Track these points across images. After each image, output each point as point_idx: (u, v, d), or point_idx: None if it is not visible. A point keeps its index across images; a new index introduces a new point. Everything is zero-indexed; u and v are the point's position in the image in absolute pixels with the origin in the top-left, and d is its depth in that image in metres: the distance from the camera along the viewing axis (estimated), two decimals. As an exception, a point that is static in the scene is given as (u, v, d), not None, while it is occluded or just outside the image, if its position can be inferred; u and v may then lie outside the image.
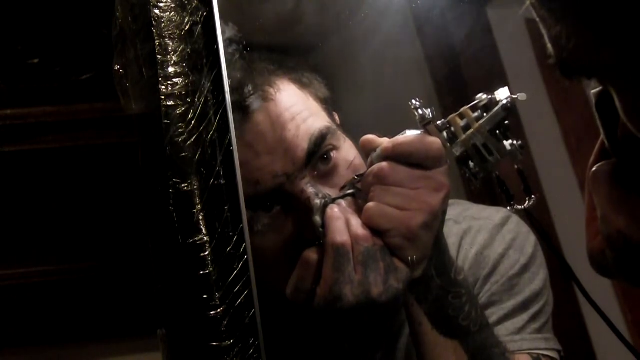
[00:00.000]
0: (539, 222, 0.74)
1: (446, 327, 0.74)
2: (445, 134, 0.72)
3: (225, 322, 0.55)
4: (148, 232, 0.60)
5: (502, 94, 0.71)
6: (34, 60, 1.57)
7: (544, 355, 0.84)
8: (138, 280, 1.40)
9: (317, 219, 0.72)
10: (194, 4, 0.61)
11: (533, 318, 0.86)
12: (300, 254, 0.72)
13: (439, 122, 0.72)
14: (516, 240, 0.89)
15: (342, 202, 0.74)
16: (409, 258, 0.70)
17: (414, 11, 1.62)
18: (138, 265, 1.41)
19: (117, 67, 0.65)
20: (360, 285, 0.69)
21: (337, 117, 0.87)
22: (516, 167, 0.73)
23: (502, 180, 0.74)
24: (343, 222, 0.71)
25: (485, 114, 0.72)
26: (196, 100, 0.59)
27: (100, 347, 1.66)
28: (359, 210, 0.72)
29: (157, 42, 0.59)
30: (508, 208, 0.74)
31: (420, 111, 0.71)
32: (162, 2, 0.60)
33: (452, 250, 0.86)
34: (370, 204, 0.70)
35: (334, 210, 0.72)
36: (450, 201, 0.92)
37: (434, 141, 0.71)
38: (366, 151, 0.75)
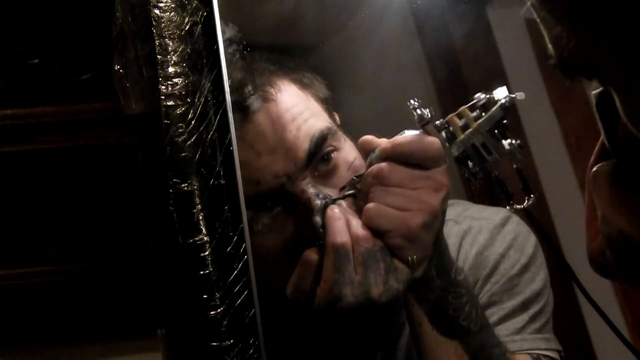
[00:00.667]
0: (539, 221, 0.74)
1: (446, 327, 0.74)
2: (444, 133, 0.72)
3: (225, 322, 0.55)
4: (148, 232, 0.60)
5: (501, 94, 0.71)
6: (34, 60, 1.57)
7: (544, 355, 0.84)
8: (138, 280, 1.40)
9: (318, 219, 0.72)
10: (194, 4, 0.61)
11: (533, 318, 0.86)
12: (301, 254, 0.72)
13: (437, 122, 0.72)
14: (516, 240, 0.89)
15: (343, 203, 0.74)
16: (409, 258, 0.70)
17: (414, 11, 1.62)
18: (138, 265, 1.41)
19: (117, 67, 0.65)
20: (360, 285, 0.69)
21: (337, 117, 0.87)
22: (515, 166, 0.73)
23: (501, 179, 0.74)
24: (343, 223, 0.71)
25: (483, 114, 0.72)
26: (196, 100, 0.59)
27: (100, 347, 1.66)
28: (359, 211, 0.72)
29: (157, 42, 0.59)
30: (507, 207, 0.74)
31: (418, 111, 0.71)
32: (162, 2, 0.60)
33: (453, 251, 0.86)
34: (370, 205, 0.70)
35: (334, 210, 0.72)
36: (450, 201, 0.92)
37: (433, 141, 0.71)
38: (365, 151, 0.75)
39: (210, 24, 0.61)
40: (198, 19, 0.60)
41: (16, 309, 1.61)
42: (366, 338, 0.81)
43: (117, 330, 1.63)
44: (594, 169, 0.43)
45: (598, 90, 0.41)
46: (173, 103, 0.58)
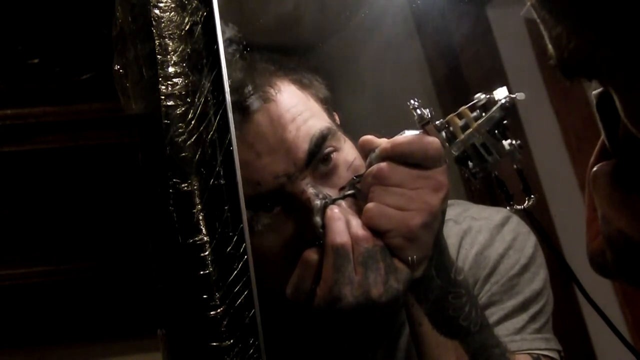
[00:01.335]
0: (539, 222, 0.74)
1: (446, 327, 0.74)
2: (444, 133, 0.72)
3: (225, 322, 0.55)
4: (148, 232, 0.60)
5: (501, 94, 0.71)
6: (34, 60, 1.57)
7: (544, 355, 0.84)
8: (138, 280, 1.40)
9: (318, 219, 0.72)
10: (194, 4, 0.61)
11: (533, 318, 0.86)
12: (301, 254, 0.72)
13: (437, 122, 0.72)
14: (516, 240, 0.89)
15: (343, 203, 0.74)
16: (409, 258, 0.70)
17: (414, 11, 1.62)
18: (138, 265, 1.41)
19: (117, 67, 0.65)
20: (360, 286, 0.69)
21: (337, 118, 0.87)
22: (515, 166, 0.73)
23: (501, 180, 0.74)
24: (343, 223, 0.71)
25: (483, 114, 0.72)
26: (196, 100, 0.59)
27: (100, 347, 1.66)
28: (359, 211, 0.72)
29: (157, 42, 0.59)
30: (507, 208, 0.74)
31: (418, 111, 0.71)
32: (162, 2, 0.60)
33: (452, 251, 0.86)
34: (370, 205, 0.70)
35: (334, 211, 0.72)
36: (450, 201, 0.92)
37: (433, 141, 0.71)
38: (365, 151, 0.75)
39: (210, 24, 0.61)
40: (198, 19, 0.60)
41: (16, 309, 1.61)
42: (366, 338, 0.81)
43: (117, 330, 1.63)
44: (594, 169, 0.43)
45: (598, 90, 0.41)
46: (173, 103, 0.58)
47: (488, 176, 0.73)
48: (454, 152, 0.72)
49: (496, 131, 0.71)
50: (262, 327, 0.57)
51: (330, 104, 0.85)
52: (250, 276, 0.57)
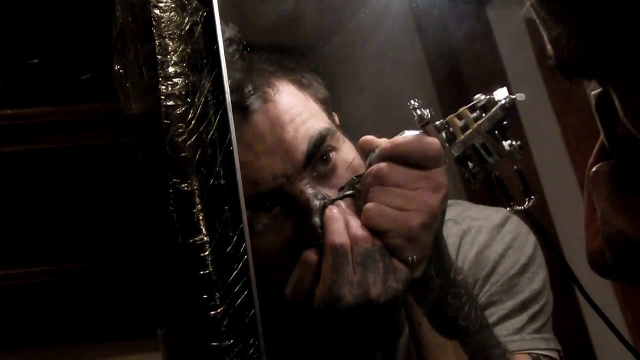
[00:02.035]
0: (539, 222, 0.74)
1: (446, 328, 0.74)
2: (444, 134, 0.72)
3: (225, 322, 0.55)
4: (148, 232, 0.60)
5: (501, 94, 0.71)
6: (34, 60, 1.57)
7: (543, 356, 0.84)
8: (138, 280, 1.40)
9: (316, 220, 0.72)
10: (194, 4, 0.61)
11: (533, 318, 0.86)
12: (300, 255, 0.72)
13: (437, 123, 0.72)
14: (516, 240, 0.89)
15: (342, 203, 0.74)
16: (409, 258, 0.70)
17: (414, 11, 1.62)
18: (138, 265, 1.41)
19: (117, 67, 0.65)
20: (359, 286, 0.69)
21: (336, 118, 0.87)
22: (515, 167, 0.73)
23: (502, 180, 0.74)
24: (342, 223, 0.71)
25: (484, 114, 0.72)
26: (196, 100, 0.59)
27: (100, 347, 1.66)
28: (358, 211, 0.72)
29: (157, 42, 0.59)
30: (507, 208, 0.74)
31: (418, 111, 0.72)
32: (162, 2, 0.60)
33: (452, 251, 0.86)
34: (370, 205, 0.70)
35: (333, 211, 0.72)
36: (450, 201, 0.92)
37: (433, 141, 0.71)
38: (365, 152, 0.75)
39: (210, 24, 0.61)
40: (198, 19, 0.60)
41: (16, 309, 1.61)
42: (366, 338, 0.81)
43: (117, 330, 1.63)
44: (594, 169, 0.43)
45: (597, 90, 0.41)
46: (173, 103, 0.58)
47: (488, 176, 0.73)
48: (454, 153, 0.72)
49: (496, 132, 0.71)
50: (262, 327, 0.57)
51: (329, 104, 0.85)
52: (250, 276, 0.57)
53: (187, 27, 0.60)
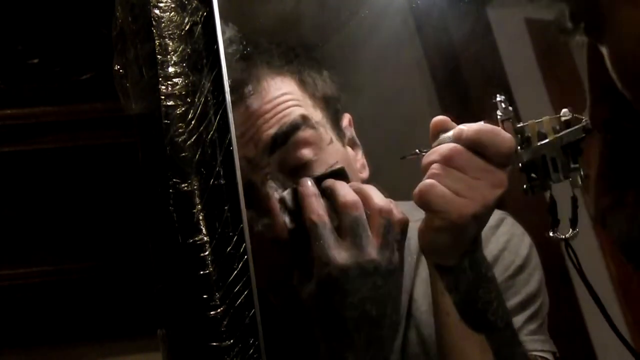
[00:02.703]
0: (576, 256, 0.72)
1: (474, 320, 0.73)
2: (519, 137, 0.71)
3: (225, 322, 0.55)
4: (148, 232, 0.60)
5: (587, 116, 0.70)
6: (34, 60, 1.57)
7: (539, 357, 0.84)
8: (138, 280, 1.40)
9: (282, 206, 0.73)
10: (194, 4, 0.61)
11: (529, 319, 0.86)
12: (266, 244, 0.73)
13: (518, 125, 0.71)
14: (510, 242, 0.89)
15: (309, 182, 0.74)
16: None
17: (413, 11, 1.62)
18: (138, 265, 1.41)
19: (117, 67, 0.65)
20: (348, 248, 0.70)
21: (346, 121, 0.86)
22: (572, 194, 0.71)
23: (555, 202, 0.72)
24: (314, 199, 0.71)
25: (564, 130, 0.70)
26: (196, 100, 0.59)
27: (101, 347, 1.66)
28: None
29: (157, 42, 0.59)
30: (551, 234, 0.73)
31: (503, 105, 0.71)
32: (162, 2, 0.60)
33: None
34: (428, 181, 0.69)
35: (306, 185, 0.72)
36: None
37: (509, 138, 0.70)
38: (437, 131, 0.73)
39: (210, 24, 0.61)
40: (198, 19, 0.60)
41: (16, 309, 1.61)
42: (366, 339, 0.81)
43: (117, 330, 1.63)
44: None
45: (585, 42, 0.42)
46: (173, 103, 0.58)
47: (544, 192, 0.71)
48: (523, 158, 0.71)
49: (569, 150, 0.70)
50: (262, 327, 0.57)
51: (334, 105, 0.85)
52: (250, 276, 0.57)
53: (187, 27, 0.60)
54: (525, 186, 0.72)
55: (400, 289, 0.76)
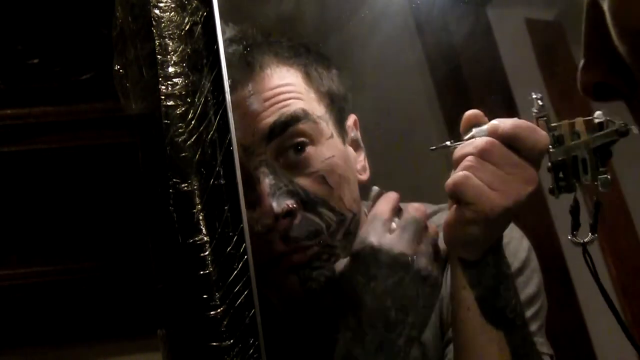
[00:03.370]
0: (593, 264, 0.71)
1: (493, 316, 0.73)
2: (552, 135, 0.71)
3: (225, 322, 0.55)
4: (148, 232, 0.60)
5: (619, 120, 0.70)
6: (34, 60, 1.57)
7: None
8: (138, 280, 1.40)
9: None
10: (194, 4, 0.61)
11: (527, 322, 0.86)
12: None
13: (553, 124, 0.71)
14: (509, 245, 0.89)
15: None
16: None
17: (414, 11, 1.62)
18: (138, 265, 1.41)
19: (117, 67, 0.65)
20: (393, 237, 0.74)
21: (352, 121, 0.87)
22: (595, 198, 0.71)
23: (579, 206, 0.72)
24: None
25: (597, 132, 0.70)
26: (196, 100, 0.59)
27: (100, 347, 1.66)
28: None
29: (157, 42, 0.59)
30: (569, 237, 0.73)
31: (540, 102, 0.71)
32: (162, 2, 0.60)
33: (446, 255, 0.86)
34: (463, 172, 0.69)
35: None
36: (444, 206, 0.92)
37: (545, 135, 0.70)
38: (469, 124, 0.74)
39: (210, 24, 0.61)
40: (198, 19, 0.60)
41: (16, 309, 1.61)
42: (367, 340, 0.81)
43: (117, 330, 1.63)
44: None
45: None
46: (173, 103, 0.58)
47: (569, 193, 0.71)
48: (554, 157, 0.71)
49: (599, 153, 0.69)
50: (262, 327, 0.57)
51: (339, 103, 0.85)
52: (250, 276, 0.57)
53: (187, 27, 0.60)
54: (551, 186, 0.71)
55: (431, 309, 0.77)
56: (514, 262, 0.88)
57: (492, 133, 0.71)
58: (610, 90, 0.42)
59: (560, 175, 0.71)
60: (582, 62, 0.44)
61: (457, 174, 0.70)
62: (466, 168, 0.70)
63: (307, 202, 0.77)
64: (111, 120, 1.55)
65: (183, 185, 0.57)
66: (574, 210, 0.72)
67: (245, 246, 0.57)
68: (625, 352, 0.66)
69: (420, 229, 0.75)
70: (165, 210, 0.57)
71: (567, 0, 1.73)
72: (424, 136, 1.72)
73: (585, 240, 0.71)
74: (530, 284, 0.87)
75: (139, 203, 0.62)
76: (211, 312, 0.55)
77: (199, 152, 0.58)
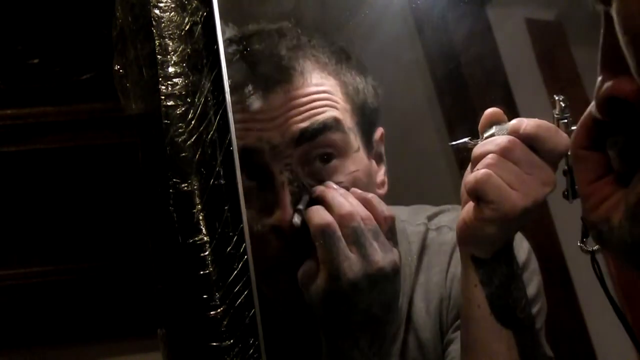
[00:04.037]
0: (600, 270, 0.71)
1: (503, 315, 0.73)
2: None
3: (225, 322, 0.55)
4: (148, 232, 0.60)
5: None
6: (34, 60, 1.57)
7: None
8: (138, 280, 1.40)
9: (296, 220, 0.73)
10: (194, 4, 0.61)
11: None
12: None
13: (573, 127, 0.71)
14: None
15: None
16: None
17: (413, 11, 1.62)
18: (138, 265, 1.41)
19: (117, 67, 0.65)
20: (358, 261, 0.71)
21: (378, 136, 0.87)
22: None
23: None
24: (320, 207, 0.73)
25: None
26: (196, 100, 0.59)
27: (100, 347, 1.66)
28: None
29: (157, 42, 0.59)
30: (578, 244, 0.73)
31: (562, 104, 0.71)
32: (162, 2, 0.60)
33: (446, 257, 0.86)
34: (484, 170, 0.69)
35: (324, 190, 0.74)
36: (445, 207, 0.92)
37: (566, 137, 0.70)
38: (490, 122, 0.73)
39: (210, 24, 0.61)
40: (198, 19, 0.60)
41: (16, 309, 1.61)
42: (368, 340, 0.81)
43: (117, 330, 1.63)
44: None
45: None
46: (173, 103, 0.58)
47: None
48: (570, 160, 0.71)
49: None
50: (262, 327, 0.57)
51: (369, 116, 0.85)
52: (250, 276, 0.57)
53: (187, 27, 0.60)
54: (566, 190, 0.71)
55: (399, 282, 0.77)
56: None
57: (514, 132, 0.70)
58: (626, 105, 0.41)
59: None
60: (599, 80, 0.44)
61: (479, 172, 0.69)
62: (487, 166, 0.69)
63: None
64: (111, 120, 1.55)
65: (183, 185, 0.57)
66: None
67: (245, 246, 0.57)
68: (626, 353, 0.66)
69: (378, 232, 0.75)
70: (165, 210, 0.57)
71: (567, 0, 1.73)
72: (424, 136, 1.72)
73: (594, 248, 0.70)
74: (530, 286, 0.87)
75: (139, 203, 0.62)
76: (211, 312, 0.55)
77: (199, 152, 0.58)
